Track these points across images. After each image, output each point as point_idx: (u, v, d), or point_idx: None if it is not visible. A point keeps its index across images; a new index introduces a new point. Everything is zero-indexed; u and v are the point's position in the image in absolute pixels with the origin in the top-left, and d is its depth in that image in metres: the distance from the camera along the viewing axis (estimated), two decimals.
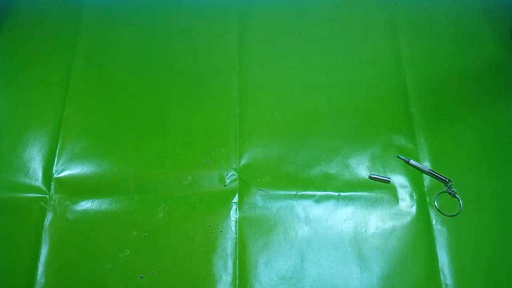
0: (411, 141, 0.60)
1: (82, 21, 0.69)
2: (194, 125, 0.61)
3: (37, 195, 0.57)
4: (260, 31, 0.68)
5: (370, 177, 0.58)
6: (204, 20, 0.69)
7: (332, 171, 0.59)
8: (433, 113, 0.62)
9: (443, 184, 0.58)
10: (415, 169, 0.59)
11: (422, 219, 0.56)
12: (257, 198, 0.57)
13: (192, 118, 0.62)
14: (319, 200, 0.57)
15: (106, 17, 0.70)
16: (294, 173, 0.58)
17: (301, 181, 0.58)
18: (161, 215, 0.56)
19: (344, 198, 0.57)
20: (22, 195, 0.57)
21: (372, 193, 0.57)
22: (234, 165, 0.59)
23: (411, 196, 0.57)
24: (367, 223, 0.56)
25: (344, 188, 0.58)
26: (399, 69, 0.65)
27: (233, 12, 0.70)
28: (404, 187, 0.58)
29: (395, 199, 0.57)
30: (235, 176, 0.58)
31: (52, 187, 0.58)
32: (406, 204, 0.57)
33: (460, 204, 0.56)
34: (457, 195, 0.57)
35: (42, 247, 0.54)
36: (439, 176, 0.58)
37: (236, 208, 0.57)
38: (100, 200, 0.57)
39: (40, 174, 0.58)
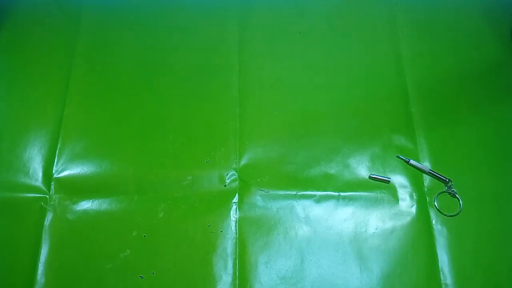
0: (411, 141, 0.60)
1: (82, 21, 0.69)
2: (194, 125, 0.61)
3: (37, 195, 0.57)
4: (260, 31, 0.68)
5: (370, 177, 0.58)
6: (204, 20, 0.69)
7: (332, 171, 0.59)
8: (433, 113, 0.62)
9: (443, 184, 0.58)
10: (415, 169, 0.59)
11: (422, 219, 0.56)
12: (257, 198, 0.57)
13: (192, 118, 0.62)
14: (319, 200, 0.57)
15: (106, 17, 0.70)
16: (294, 173, 0.58)
17: (301, 181, 0.58)
18: (161, 215, 0.56)
19: (344, 198, 0.57)
20: (22, 195, 0.57)
21: (372, 193, 0.57)
22: (234, 165, 0.59)
23: (411, 196, 0.57)
24: (367, 223, 0.56)
25: (344, 188, 0.58)
26: (399, 69, 0.65)
27: (233, 12, 0.70)
28: (404, 187, 0.58)
29: (395, 199, 0.57)
30: (235, 176, 0.58)
31: (52, 187, 0.58)
32: (406, 204, 0.57)
33: (460, 204, 0.56)
34: (457, 195, 0.57)
35: (42, 247, 0.54)
36: (439, 176, 0.58)
37: (236, 208, 0.57)
38: (100, 200, 0.57)
39: (40, 174, 0.58)
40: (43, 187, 0.58)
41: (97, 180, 0.58)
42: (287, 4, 0.70)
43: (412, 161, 0.58)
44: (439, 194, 0.57)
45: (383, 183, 0.58)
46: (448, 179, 0.57)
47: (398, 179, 0.58)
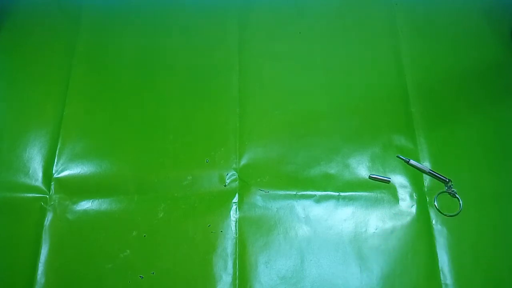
0: (411, 141, 0.60)
1: (82, 21, 0.69)
2: (194, 125, 0.61)
3: (37, 195, 0.57)
4: (260, 31, 0.68)
5: (370, 177, 0.58)
6: (204, 20, 0.69)
7: (332, 171, 0.59)
8: (433, 113, 0.62)
9: (443, 184, 0.58)
10: (415, 169, 0.59)
11: (422, 219, 0.56)
12: (257, 198, 0.57)
13: (192, 118, 0.62)
14: (319, 200, 0.57)
15: (106, 17, 0.70)
16: (294, 173, 0.58)
17: (301, 181, 0.58)
18: (161, 215, 0.56)
19: (344, 198, 0.57)
20: (22, 195, 0.57)
21: (372, 193, 0.57)
22: (234, 165, 0.59)
23: (411, 196, 0.57)
24: (367, 223, 0.56)
25: (344, 188, 0.58)
26: (399, 69, 0.65)
27: (233, 12, 0.70)
28: (404, 187, 0.58)
29: (395, 199, 0.57)
30: (235, 176, 0.58)
31: (52, 187, 0.58)
32: (406, 204, 0.57)
33: (460, 204, 0.56)
34: (457, 195, 0.57)
35: (42, 247, 0.54)
36: (439, 176, 0.58)
37: (236, 208, 0.57)
38: (100, 200, 0.57)
39: (40, 174, 0.58)
40: (43, 187, 0.58)
41: (97, 180, 0.58)
42: (287, 4, 0.70)
43: (412, 161, 0.58)
44: (439, 194, 0.57)
45: (383, 183, 0.58)
46: (448, 179, 0.57)
47: (398, 179, 0.58)
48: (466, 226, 0.55)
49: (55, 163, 0.59)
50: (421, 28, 0.68)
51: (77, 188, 0.58)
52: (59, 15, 0.70)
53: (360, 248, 0.54)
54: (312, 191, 0.57)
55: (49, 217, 0.56)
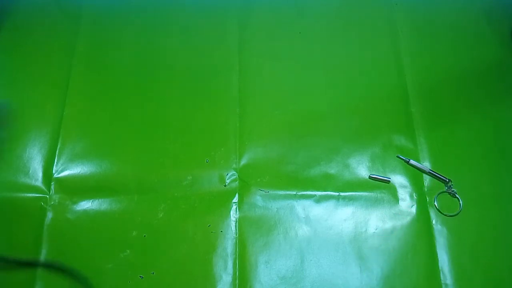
0: (411, 141, 0.60)
1: (82, 21, 0.69)
2: (194, 125, 0.61)
3: (37, 195, 0.57)
4: (260, 31, 0.68)
5: (370, 177, 0.58)
6: (204, 20, 0.69)
7: (332, 171, 0.59)
8: (433, 113, 0.62)
9: (443, 184, 0.58)
10: (415, 169, 0.59)
11: (422, 219, 0.56)
12: (257, 198, 0.57)
13: (192, 118, 0.62)
14: (319, 200, 0.57)
15: (106, 17, 0.70)
16: (294, 173, 0.58)
17: (301, 181, 0.58)
18: (161, 215, 0.56)
19: (344, 198, 0.57)
20: (22, 195, 0.57)
21: (372, 193, 0.57)
22: (234, 165, 0.59)
23: (411, 196, 0.57)
24: (367, 223, 0.56)
25: (344, 188, 0.58)
26: (399, 69, 0.65)
27: (233, 12, 0.70)
28: (404, 187, 0.58)
29: (395, 199, 0.57)
30: (235, 176, 0.58)
31: (52, 187, 0.58)
32: (406, 204, 0.57)
33: (460, 204, 0.56)
34: (457, 195, 0.57)
35: (42, 247, 0.54)
36: (439, 176, 0.58)
37: (236, 208, 0.57)
38: (100, 200, 0.57)
39: (40, 174, 0.58)
40: (43, 187, 0.58)
41: (97, 180, 0.58)
42: (287, 4, 0.70)
43: (412, 161, 0.58)
44: (439, 194, 0.57)
45: (383, 183, 0.58)
46: (448, 179, 0.57)
47: (398, 179, 0.58)
48: (466, 226, 0.55)
49: (55, 163, 0.59)
50: (421, 28, 0.68)
51: (77, 188, 0.58)
52: (59, 15, 0.70)
53: (360, 248, 0.54)
54: (312, 191, 0.57)
55: (49, 217, 0.56)
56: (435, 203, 0.57)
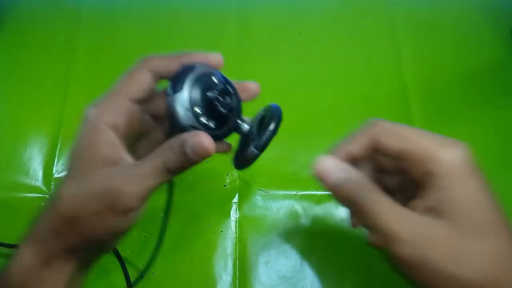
0: None
1: (82, 21, 0.69)
2: None
3: (37, 195, 0.57)
4: (260, 31, 0.68)
5: None
6: (204, 20, 0.69)
7: None
8: (433, 113, 0.62)
9: None
10: None
11: None
12: (257, 198, 0.57)
13: None
14: (319, 200, 0.57)
15: (106, 16, 0.70)
16: (294, 173, 0.58)
17: (301, 181, 0.58)
18: (161, 215, 0.56)
19: None
20: (22, 195, 0.57)
21: None
22: None
23: None
24: None
25: None
26: (399, 69, 0.65)
27: (233, 12, 0.70)
28: None
29: None
30: (235, 176, 0.58)
31: (52, 187, 0.58)
32: None
33: None
34: None
35: None
36: None
37: (236, 208, 0.57)
38: None
39: (40, 174, 0.58)
40: (43, 187, 0.58)
41: None
42: (287, 4, 0.70)
43: None
44: None
45: None
46: None
47: None
48: None
49: (55, 163, 0.59)
50: (421, 28, 0.68)
51: None
52: (59, 15, 0.70)
53: (360, 248, 0.54)
54: (312, 191, 0.57)
55: None
56: None
